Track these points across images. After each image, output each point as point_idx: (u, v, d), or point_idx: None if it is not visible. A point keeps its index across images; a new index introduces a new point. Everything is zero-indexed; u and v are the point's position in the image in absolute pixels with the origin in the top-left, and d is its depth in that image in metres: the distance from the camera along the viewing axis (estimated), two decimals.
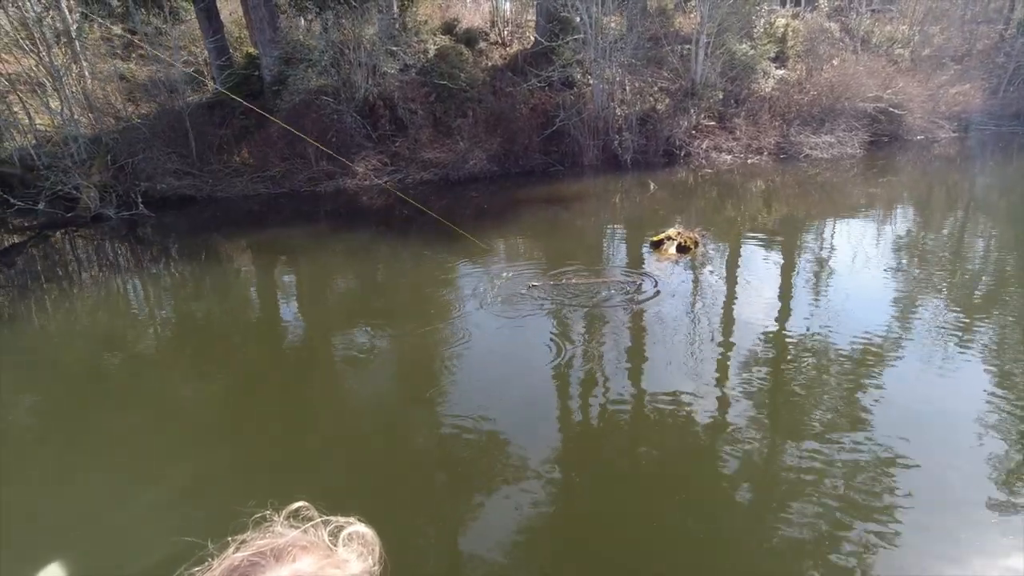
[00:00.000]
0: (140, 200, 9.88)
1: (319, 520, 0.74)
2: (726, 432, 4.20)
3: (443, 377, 5.09)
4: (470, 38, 15.78)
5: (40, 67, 11.45)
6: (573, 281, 6.45)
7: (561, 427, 4.38)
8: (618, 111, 13.54)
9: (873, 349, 5.24)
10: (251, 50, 14.95)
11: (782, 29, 16.55)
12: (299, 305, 7.43)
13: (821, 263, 7.72)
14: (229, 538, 0.70)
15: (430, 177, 12.37)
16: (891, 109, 14.07)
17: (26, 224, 10.03)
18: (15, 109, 11.65)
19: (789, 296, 6.64)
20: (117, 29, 14.18)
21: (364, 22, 13.19)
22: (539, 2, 15.18)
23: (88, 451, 4.40)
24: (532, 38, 15.53)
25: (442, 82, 13.13)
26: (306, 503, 0.76)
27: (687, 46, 14.76)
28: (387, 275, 7.95)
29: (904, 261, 7.73)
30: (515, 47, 15.85)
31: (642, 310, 5.99)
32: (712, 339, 5.52)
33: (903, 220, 10.06)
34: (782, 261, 7.89)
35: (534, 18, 16.16)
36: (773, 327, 5.75)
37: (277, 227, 10.61)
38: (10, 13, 12.08)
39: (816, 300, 6.48)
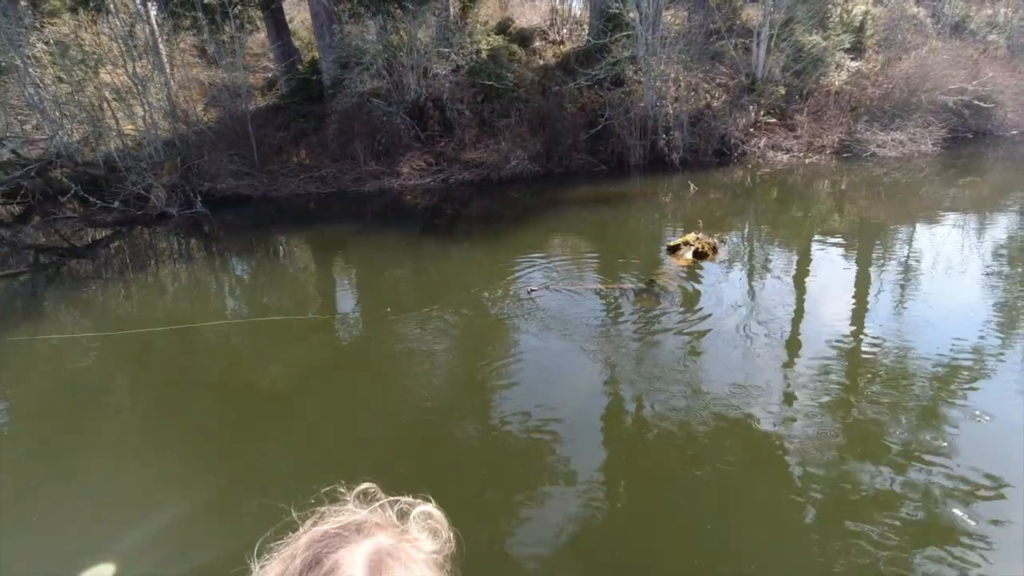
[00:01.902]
0: (199, 199, 10.69)
1: (386, 500, 0.79)
2: (788, 447, 3.91)
3: (492, 374, 5.07)
4: (524, 37, 15.83)
5: (128, 77, 12.65)
6: (581, 287, 6.38)
7: (610, 432, 4.26)
8: (669, 109, 13.14)
9: (960, 366, 4.69)
10: (316, 55, 15.76)
11: (860, 17, 15.42)
12: (353, 298, 7.75)
13: (896, 269, 7.06)
14: (309, 511, 0.76)
15: (472, 177, 12.56)
16: (976, 102, 12.75)
17: (106, 220, 11.15)
18: (107, 116, 12.95)
19: (862, 304, 6.12)
20: (200, 38, 15.42)
21: (419, 24, 13.55)
22: (593, 3, 14.99)
23: (159, 428, 4.77)
24: (587, 37, 15.37)
25: (488, 82, 13.26)
26: (373, 485, 0.81)
27: (747, 40, 14.08)
28: (435, 272, 8.11)
29: (995, 270, 6.87)
30: (568, 46, 15.74)
31: (694, 317, 5.74)
32: (773, 348, 5.15)
33: (994, 225, 8.94)
34: (851, 266, 7.34)
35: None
36: (843, 337, 5.31)
37: (328, 224, 11.18)
38: (110, 26, 13.42)
39: (892, 310, 5.90)
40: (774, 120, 13.43)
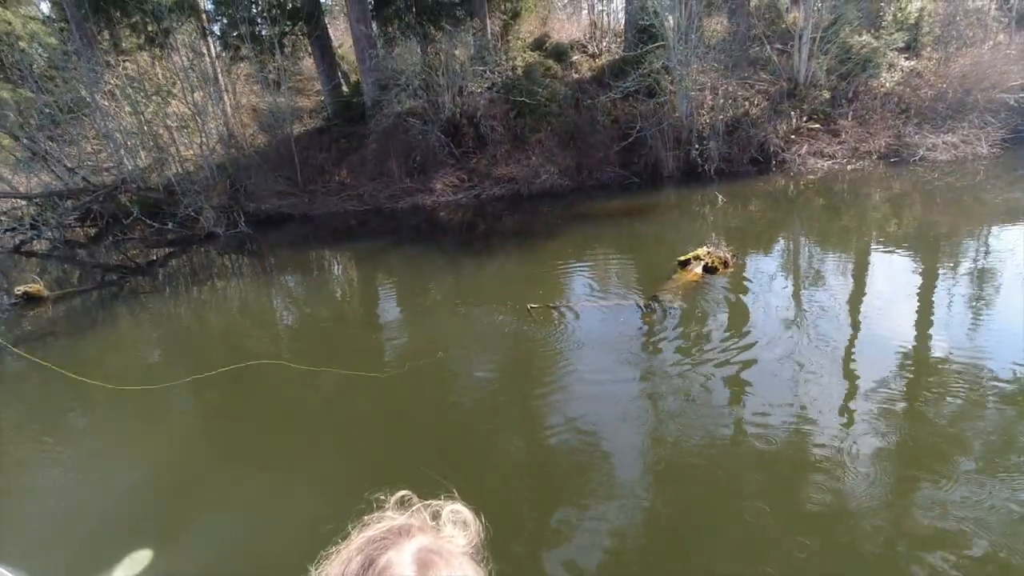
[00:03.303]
0: (243, 219, 11.36)
1: (419, 505, 0.89)
2: (844, 472, 3.67)
3: (534, 387, 5.09)
4: (560, 52, 15.94)
5: (188, 107, 13.66)
6: (583, 305, 6.40)
7: (654, 449, 4.16)
8: (706, 118, 12.89)
9: None
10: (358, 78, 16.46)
11: (916, 14, 14.60)
12: (397, 312, 7.91)
13: (962, 281, 6.56)
14: (357, 519, 0.85)
15: (503, 192, 12.72)
16: None
17: (163, 240, 12.03)
18: (170, 144, 14.02)
19: (927, 316, 5.75)
20: (254, 67, 16.44)
21: (456, 45, 13.93)
22: (627, 15, 14.95)
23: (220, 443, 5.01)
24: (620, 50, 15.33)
25: (520, 99, 13.44)
26: (408, 492, 0.91)
27: (787, 45, 13.63)
28: (474, 286, 8.27)
29: None
30: (605, 58, 15.72)
31: (740, 332, 5.57)
32: (824, 365, 4.88)
33: None
34: (912, 278, 6.88)
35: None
36: (905, 355, 4.99)
37: (367, 241, 11.60)
38: (172, 63, 14.58)
39: (959, 325, 5.47)
40: (817, 126, 12.90)
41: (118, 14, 15.24)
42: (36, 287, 8.16)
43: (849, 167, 12.12)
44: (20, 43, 14.98)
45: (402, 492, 0.90)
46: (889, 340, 5.24)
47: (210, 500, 4.20)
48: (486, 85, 13.94)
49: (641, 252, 9.28)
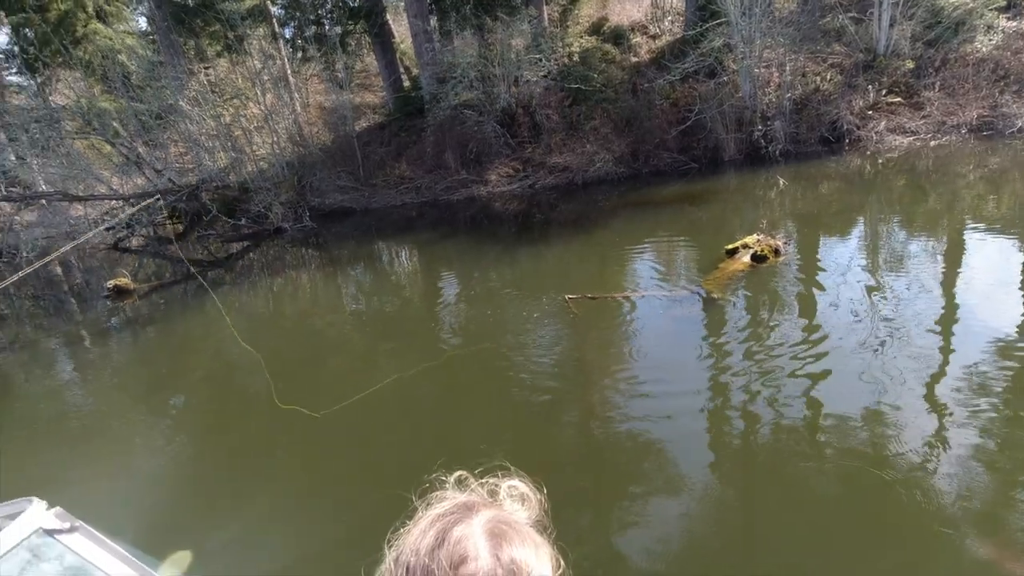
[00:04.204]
0: (308, 214, 11.94)
1: (477, 484, 0.90)
2: (937, 467, 3.44)
3: (599, 376, 5.10)
4: (618, 35, 15.53)
5: (261, 108, 14.48)
6: (627, 295, 6.31)
7: (722, 441, 4.10)
8: (772, 96, 12.20)
9: None
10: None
11: None
12: (454, 300, 8.10)
13: None
14: (421, 499, 0.88)
15: (557, 182, 12.63)
16: None
17: (239, 235, 12.87)
18: (245, 144, 14.91)
19: None
20: (321, 67, 17.15)
21: (512, 34, 13.88)
22: None
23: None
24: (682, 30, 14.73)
25: (575, 85, 13.24)
26: (464, 472, 0.93)
27: (868, 11, 12.62)
28: (527, 275, 8.35)
29: None
30: (666, 39, 15.18)
31: (801, 323, 5.39)
32: (910, 357, 4.59)
33: None
34: (1015, 263, 6.31)
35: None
36: (1005, 345, 4.60)
37: (425, 232, 11.91)
38: (247, 68, 15.46)
39: None
40: (898, 99, 11.89)
41: (200, 23, 16.32)
42: (124, 280, 8.99)
43: (933, 143, 11.10)
44: (120, 57, 16.36)
45: (459, 472, 0.92)
46: (985, 335, 4.77)
47: (272, 480, 4.51)
48: (541, 73, 13.83)
49: (698, 240, 8.95)
